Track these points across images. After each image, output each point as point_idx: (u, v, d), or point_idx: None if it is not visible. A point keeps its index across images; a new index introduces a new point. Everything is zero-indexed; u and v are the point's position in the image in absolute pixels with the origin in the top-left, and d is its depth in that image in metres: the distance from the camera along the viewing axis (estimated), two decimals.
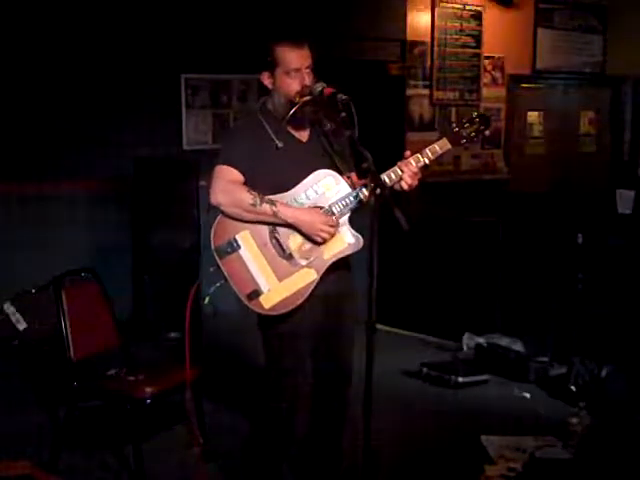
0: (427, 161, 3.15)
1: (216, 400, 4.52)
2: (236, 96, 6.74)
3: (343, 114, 2.99)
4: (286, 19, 6.58)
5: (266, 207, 3.04)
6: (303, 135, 3.24)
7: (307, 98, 3.09)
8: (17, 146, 5.86)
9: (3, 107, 5.79)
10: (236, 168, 3.09)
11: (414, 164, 3.12)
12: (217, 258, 3.07)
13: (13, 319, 4.86)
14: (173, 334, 6.00)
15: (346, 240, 3.15)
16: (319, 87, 3.08)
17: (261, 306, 3.05)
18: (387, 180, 3.08)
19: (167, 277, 5.97)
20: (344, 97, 3.00)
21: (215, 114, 6.68)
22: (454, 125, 3.24)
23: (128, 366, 3.88)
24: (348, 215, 3.17)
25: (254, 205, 3.03)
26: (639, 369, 4.71)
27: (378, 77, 7.35)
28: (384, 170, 3.11)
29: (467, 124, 3.22)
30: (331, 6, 6.85)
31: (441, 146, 3.17)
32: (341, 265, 3.20)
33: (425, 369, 5.23)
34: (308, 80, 3.12)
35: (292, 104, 3.12)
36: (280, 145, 3.15)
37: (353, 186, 3.16)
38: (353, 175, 3.26)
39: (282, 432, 3.26)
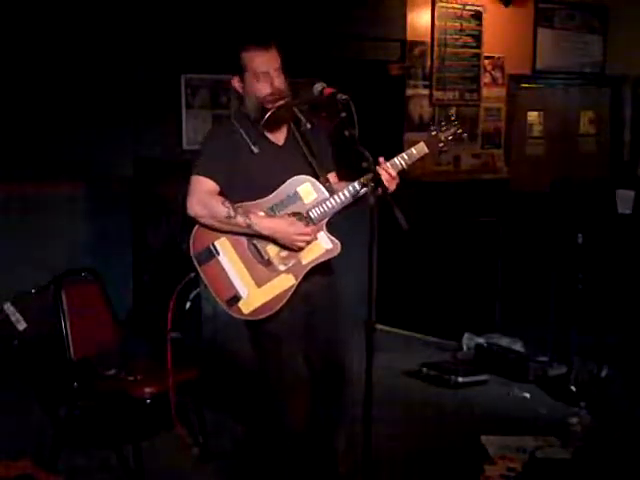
0: (404, 165, 3.15)
1: (216, 401, 4.52)
2: (236, 96, 6.73)
3: (343, 114, 2.99)
4: (285, 19, 6.58)
5: (240, 220, 3.05)
6: (279, 138, 3.24)
7: (282, 102, 3.09)
8: (16, 146, 5.85)
9: (3, 107, 5.79)
10: (211, 178, 3.12)
11: (391, 169, 3.12)
12: (196, 265, 3.10)
13: (13, 319, 4.86)
14: (173, 334, 5.99)
15: (323, 246, 3.16)
16: (319, 87, 3.09)
17: (240, 311, 3.08)
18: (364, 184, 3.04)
19: (167, 277, 5.96)
20: (344, 97, 3.00)
21: (215, 114, 6.68)
22: (432, 128, 3.25)
23: (128, 366, 3.88)
24: (326, 220, 3.16)
25: (229, 217, 3.05)
26: (639, 369, 4.71)
27: (378, 77, 7.35)
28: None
29: (444, 127, 3.24)
30: (331, 6, 6.85)
31: (418, 150, 3.18)
32: (322, 269, 3.20)
33: (425, 369, 5.23)
34: (278, 82, 3.13)
35: (264, 108, 3.12)
36: (256, 150, 3.15)
37: (332, 190, 3.15)
38: (332, 175, 3.27)
39: (275, 430, 3.26)
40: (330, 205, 3.13)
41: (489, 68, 8.03)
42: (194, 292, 3.14)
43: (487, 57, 7.98)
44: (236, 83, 3.22)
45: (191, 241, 3.13)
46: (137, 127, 6.22)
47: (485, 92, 8.03)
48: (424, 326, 6.22)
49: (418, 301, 6.33)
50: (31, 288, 5.02)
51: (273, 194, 3.13)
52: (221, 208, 3.06)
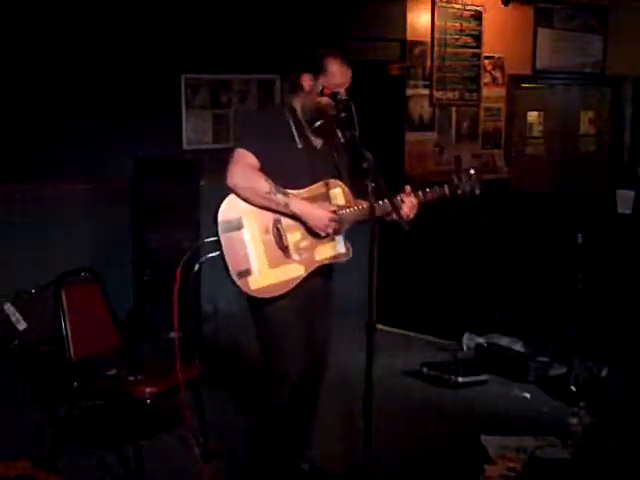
0: (425, 199, 3.40)
1: (217, 399, 4.52)
2: (236, 96, 6.75)
3: (343, 114, 3.07)
4: (286, 19, 6.59)
5: (279, 197, 3.19)
6: (317, 142, 3.40)
7: (346, 103, 3.19)
8: (17, 147, 5.85)
9: (3, 108, 5.79)
10: (255, 155, 3.22)
11: (414, 198, 3.35)
12: (220, 231, 3.19)
13: (13, 319, 4.86)
14: (173, 334, 5.99)
15: (338, 249, 3.36)
16: (319, 86, 3.18)
17: (247, 285, 3.20)
18: (387, 203, 3.18)
19: (167, 277, 5.96)
20: (345, 97, 3.15)
21: (215, 114, 6.68)
22: (455, 178, 3.47)
23: (128, 366, 3.87)
24: (347, 226, 3.33)
25: (268, 193, 3.18)
26: (639, 369, 4.71)
27: (378, 77, 7.35)
28: (385, 171, 3.12)
29: (464, 180, 3.46)
30: (331, 6, 6.85)
31: (440, 192, 3.43)
32: (325, 272, 3.41)
33: (425, 369, 5.23)
34: (343, 96, 3.24)
35: (321, 112, 3.26)
36: (300, 146, 3.31)
37: (357, 201, 3.33)
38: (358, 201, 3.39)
39: (281, 422, 3.37)
40: (355, 212, 3.30)
41: (489, 68, 8.04)
42: (206, 256, 3.23)
43: (487, 57, 7.99)
44: (306, 81, 3.31)
45: (222, 208, 3.20)
46: (137, 127, 6.22)
47: (485, 92, 8.04)
48: (424, 326, 6.22)
49: (418, 301, 6.33)
50: (31, 288, 5.03)
51: (306, 189, 3.30)
52: (263, 183, 3.18)
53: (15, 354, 4.98)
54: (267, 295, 3.23)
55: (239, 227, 3.20)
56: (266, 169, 3.22)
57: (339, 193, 3.35)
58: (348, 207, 3.31)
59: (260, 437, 3.43)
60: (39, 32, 5.79)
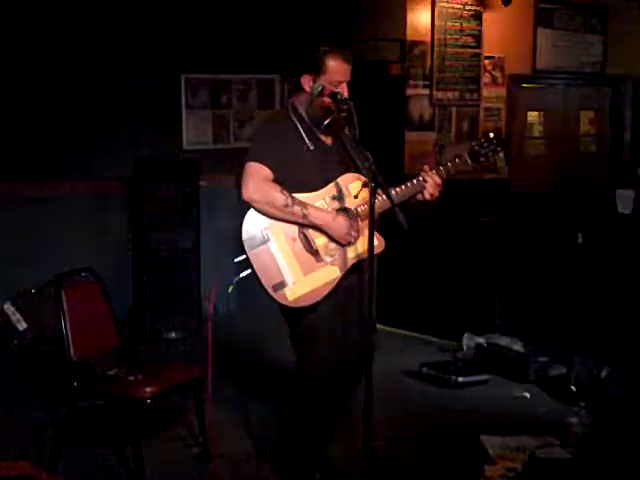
0: (448, 174, 3.32)
1: (217, 401, 4.51)
2: (236, 96, 6.75)
3: (343, 114, 3.05)
4: (286, 19, 6.59)
5: (297, 209, 3.16)
6: (328, 139, 3.36)
7: (346, 106, 3.17)
8: (18, 147, 5.86)
9: (4, 108, 5.79)
10: (266, 165, 3.19)
11: (437, 176, 3.28)
12: (247, 249, 3.18)
13: (13, 319, 4.87)
14: (173, 334, 6.01)
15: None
16: (319, 87, 3.18)
17: (285, 298, 3.17)
18: (409, 186, 3.22)
19: (167, 277, 5.98)
20: (344, 97, 3.13)
21: (215, 114, 6.68)
22: (474, 144, 3.40)
23: (128, 366, 3.87)
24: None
25: (286, 206, 3.15)
26: (639, 369, 4.71)
27: (378, 77, 7.35)
28: (384, 171, 3.12)
29: (485, 143, 3.38)
30: (331, 6, 6.85)
31: (461, 161, 3.34)
32: (358, 266, 3.30)
33: (425, 369, 5.23)
34: (346, 93, 3.24)
35: (328, 110, 3.21)
36: (312, 147, 3.27)
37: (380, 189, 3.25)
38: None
39: (318, 425, 3.38)
40: (377, 204, 3.18)
41: (489, 68, 8.04)
42: (239, 276, 3.21)
43: (487, 57, 7.99)
44: (307, 82, 3.28)
45: (244, 226, 3.19)
46: (137, 127, 6.23)
47: (485, 92, 8.04)
48: (424, 326, 6.22)
49: (418, 301, 6.33)
50: (31, 288, 5.04)
51: (324, 189, 3.26)
52: (279, 195, 3.15)
53: (15, 354, 4.98)
54: (307, 303, 3.19)
55: (265, 241, 3.18)
56: (280, 176, 3.19)
57: (357, 188, 3.27)
58: (367, 204, 3.20)
59: (292, 437, 3.45)
60: (39, 32, 5.79)
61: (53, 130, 5.96)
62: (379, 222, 3.18)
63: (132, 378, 3.73)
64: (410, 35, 7.46)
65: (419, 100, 7.62)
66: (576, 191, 7.24)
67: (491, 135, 3.42)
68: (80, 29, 5.92)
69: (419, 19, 7.51)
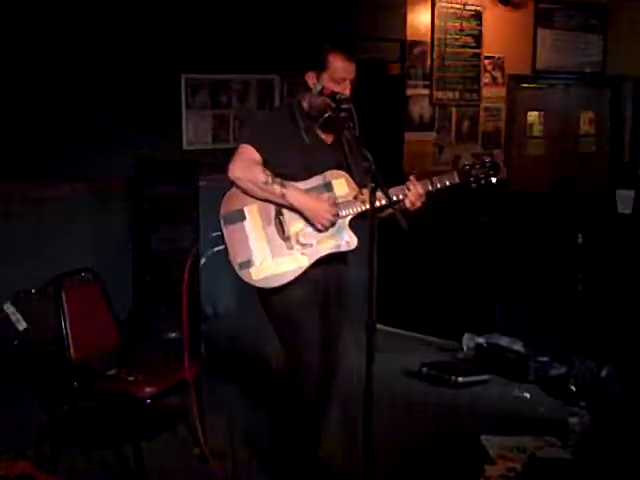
0: (433, 188, 3.35)
1: (216, 399, 4.52)
2: (236, 96, 6.75)
3: (343, 113, 3.07)
4: (286, 19, 6.59)
5: (276, 187, 3.24)
6: (328, 138, 3.42)
7: (346, 106, 3.20)
8: (17, 147, 5.85)
9: (3, 108, 5.79)
10: (257, 150, 3.28)
11: (420, 187, 3.31)
12: (222, 224, 3.27)
13: (13, 319, 4.86)
14: (173, 334, 6.00)
15: (343, 238, 3.33)
16: (319, 87, 3.23)
17: (250, 276, 3.25)
18: (393, 197, 3.20)
19: (167, 277, 5.97)
20: (344, 96, 3.17)
21: (215, 114, 6.68)
22: (466, 163, 3.42)
23: (128, 366, 3.87)
24: (350, 217, 3.33)
25: (266, 183, 3.23)
26: (639, 369, 4.71)
27: (378, 77, 7.34)
28: (384, 170, 3.12)
29: (478, 166, 3.40)
30: (330, 6, 6.85)
31: (449, 179, 3.37)
32: (336, 260, 3.39)
33: (425, 369, 5.23)
34: (349, 91, 3.28)
35: (325, 109, 3.27)
36: (307, 141, 3.34)
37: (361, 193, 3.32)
38: (365, 190, 3.34)
39: (312, 415, 3.43)
40: (358, 207, 3.31)
41: (489, 68, 8.05)
42: (211, 250, 3.29)
43: (487, 57, 8.00)
44: (310, 78, 3.33)
45: (223, 202, 3.29)
46: (137, 127, 6.22)
47: (485, 92, 8.05)
48: (424, 326, 6.21)
49: (418, 301, 6.33)
50: (31, 288, 5.03)
51: (309, 180, 3.32)
52: (261, 174, 3.24)
53: (15, 354, 4.98)
54: (269, 285, 3.26)
55: (241, 219, 3.27)
56: (271, 164, 3.27)
57: (342, 183, 3.34)
58: (348, 199, 3.31)
59: (288, 433, 3.48)
60: (39, 32, 5.79)
61: (53, 130, 5.95)
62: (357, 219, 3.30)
63: (132, 378, 3.73)
64: (410, 35, 7.47)
65: (419, 100, 7.62)
66: (576, 191, 7.24)
67: (487, 160, 3.44)
68: (81, 29, 5.91)
69: (419, 19, 7.51)
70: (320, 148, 3.38)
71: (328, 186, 3.33)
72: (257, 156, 3.28)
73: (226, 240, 3.26)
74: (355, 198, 3.32)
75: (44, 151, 5.92)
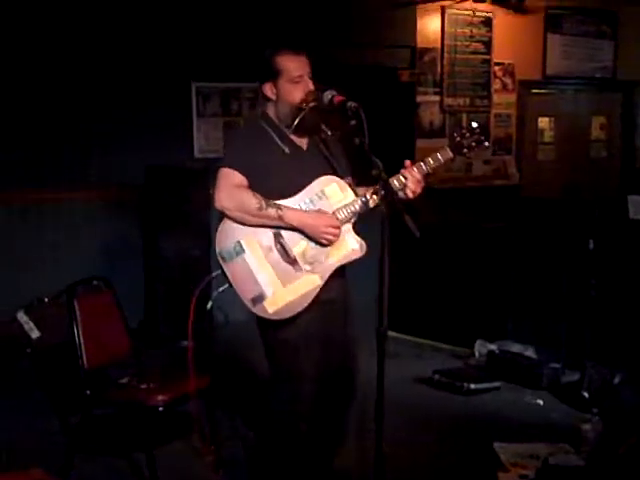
0: (429, 169, 3.22)
1: (228, 408, 4.52)
2: (247, 104, 6.77)
3: (353, 122, 3.00)
4: (296, 27, 6.60)
5: (271, 211, 3.05)
6: (303, 142, 3.26)
7: (313, 104, 3.11)
8: (30, 155, 5.89)
9: (18, 117, 5.83)
10: (239, 171, 3.09)
11: (417, 172, 3.18)
12: (221, 262, 3.07)
13: (26, 327, 4.88)
14: (185, 342, 6.00)
15: (350, 246, 3.18)
16: (329, 95, 3.10)
17: (265, 310, 3.06)
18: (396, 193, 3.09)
19: (178, 285, 5.98)
20: (354, 105, 3.01)
21: (226, 122, 6.70)
22: (456, 135, 3.29)
23: (140, 374, 3.88)
24: (352, 221, 3.19)
25: (259, 209, 3.04)
26: None
27: (388, 84, 7.36)
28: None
29: (468, 134, 3.28)
30: (341, 13, 6.86)
31: (443, 155, 3.24)
32: (338, 272, 3.20)
33: (437, 376, 5.22)
34: (310, 86, 3.15)
35: (298, 111, 3.13)
36: (287, 151, 3.17)
37: (356, 192, 3.19)
38: (350, 180, 3.27)
39: (287, 435, 3.25)
40: (356, 206, 3.16)
41: (499, 74, 8.03)
42: (217, 291, 3.11)
43: (497, 63, 7.98)
44: (268, 90, 3.19)
45: (217, 238, 3.08)
46: (148, 135, 6.25)
47: (495, 98, 8.03)
48: (436, 333, 6.21)
49: (430, 308, 6.32)
50: (44, 297, 5.05)
51: (301, 193, 3.14)
52: (252, 200, 3.04)
53: (28, 362, 4.99)
54: (288, 314, 3.07)
55: (240, 252, 3.06)
56: (256, 183, 3.09)
57: (334, 189, 3.17)
58: (345, 206, 3.15)
59: (274, 460, 3.33)
60: (52, 41, 5.83)
61: (65, 140, 5.99)
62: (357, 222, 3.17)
63: (144, 386, 3.74)
64: (420, 42, 7.47)
65: (429, 107, 7.61)
66: (587, 197, 7.22)
67: (474, 125, 3.32)
68: (91, 38, 5.95)
69: (429, 26, 7.51)
70: (300, 156, 3.20)
71: (321, 196, 3.15)
72: (240, 179, 3.07)
73: (230, 279, 3.06)
74: (351, 198, 3.16)
75: (56, 161, 5.96)
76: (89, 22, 5.93)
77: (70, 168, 6.01)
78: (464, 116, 7.86)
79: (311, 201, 3.15)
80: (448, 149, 3.25)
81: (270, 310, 3.06)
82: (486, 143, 3.33)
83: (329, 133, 3.27)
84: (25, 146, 5.88)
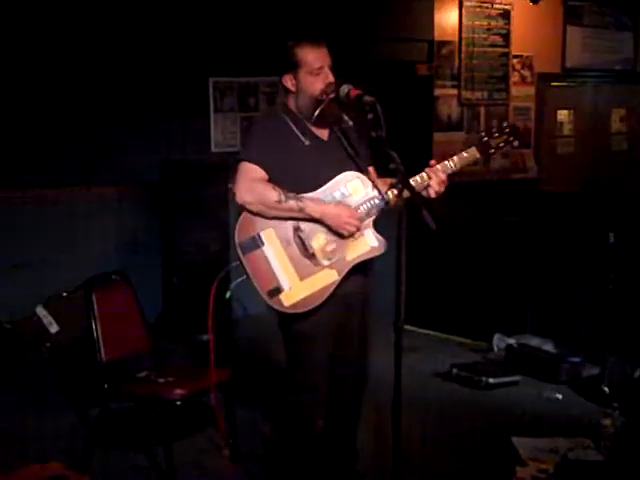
0: (454, 168, 3.18)
1: (247, 402, 4.53)
2: (264, 99, 6.76)
3: (370, 116, 2.98)
4: (313, 20, 6.59)
5: (292, 203, 3.05)
6: (324, 134, 3.25)
7: (333, 95, 3.10)
8: (48, 151, 5.92)
9: (37, 114, 5.86)
10: (259, 165, 3.09)
11: (442, 171, 3.15)
12: (240, 253, 3.08)
13: (45, 322, 4.91)
14: (203, 336, 6.02)
15: (369, 243, 3.17)
16: (345, 89, 3.09)
17: (281, 303, 3.06)
18: (413, 185, 3.05)
19: (196, 279, 5.99)
20: (370, 99, 2.99)
21: (243, 117, 6.71)
22: (483, 134, 3.25)
23: (158, 368, 3.90)
24: (373, 218, 3.18)
25: (279, 202, 3.04)
26: None
27: (406, 77, 7.33)
28: (412, 171, 3.11)
29: (496, 134, 3.23)
30: (358, 7, 6.84)
31: (470, 154, 3.20)
32: (360, 268, 3.19)
33: (455, 370, 5.20)
34: (330, 78, 3.14)
35: (318, 102, 3.12)
36: (307, 143, 3.16)
37: (376, 186, 3.17)
38: (372, 169, 3.26)
39: (303, 428, 3.28)
40: (377, 200, 3.14)
41: (518, 67, 7.98)
42: (235, 281, 3.14)
43: (516, 56, 7.93)
44: (288, 81, 3.19)
45: (237, 229, 3.09)
46: (166, 130, 6.27)
47: (514, 91, 7.98)
48: (454, 327, 6.19)
49: (448, 302, 6.31)
50: (63, 291, 5.08)
51: (323, 188, 3.14)
52: (272, 192, 3.04)
53: (47, 356, 5.02)
54: (304, 309, 3.07)
55: (259, 245, 3.07)
56: (276, 176, 3.10)
57: (356, 185, 3.16)
58: (366, 201, 3.14)
59: (290, 457, 3.35)
60: (69, 37, 5.84)
61: (84, 136, 6.01)
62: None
63: (163, 380, 3.76)
64: (438, 35, 7.43)
65: (447, 100, 7.58)
66: (607, 190, 7.17)
67: (504, 124, 3.28)
68: (109, 34, 5.96)
69: (447, 19, 7.47)
70: (320, 147, 3.20)
71: (344, 192, 3.15)
72: (260, 173, 3.08)
73: (247, 270, 3.06)
74: (373, 194, 3.14)
75: (75, 157, 5.98)
76: (107, 17, 5.94)
77: (88, 163, 6.03)
78: (482, 109, 7.82)
79: (334, 197, 3.13)
80: (476, 149, 3.20)
81: (286, 303, 3.06)
82: (515, 143, 3.27)
83: (350, 123, 3.26)
84: (46, 143, 5.91)
